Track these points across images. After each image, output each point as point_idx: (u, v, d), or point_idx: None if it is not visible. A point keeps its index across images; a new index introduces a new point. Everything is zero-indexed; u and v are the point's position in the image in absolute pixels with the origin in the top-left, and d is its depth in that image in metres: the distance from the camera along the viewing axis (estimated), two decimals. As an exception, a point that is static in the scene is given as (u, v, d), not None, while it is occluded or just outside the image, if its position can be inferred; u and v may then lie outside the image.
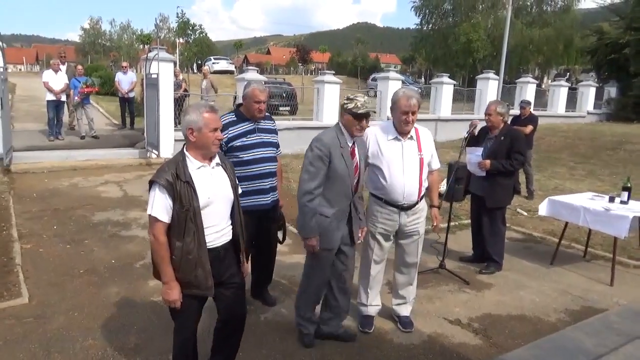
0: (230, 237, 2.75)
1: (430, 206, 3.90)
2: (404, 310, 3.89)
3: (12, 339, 3.47)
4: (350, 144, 3.28)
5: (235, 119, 3.71)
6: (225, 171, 2.72)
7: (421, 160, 3.60)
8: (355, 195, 3.36)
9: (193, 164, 2.56)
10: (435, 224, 3.96)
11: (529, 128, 8.30)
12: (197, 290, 2.60)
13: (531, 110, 8.87)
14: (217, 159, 2.69)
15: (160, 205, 2.47)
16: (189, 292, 2.59)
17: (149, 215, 2.50)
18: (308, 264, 3.49)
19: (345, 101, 3.24)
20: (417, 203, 3.64)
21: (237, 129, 3.66)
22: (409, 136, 3.59)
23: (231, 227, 2.75)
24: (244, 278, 2.93)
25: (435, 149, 3.82)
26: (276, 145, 3.88)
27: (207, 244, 2.58)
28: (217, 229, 2.65)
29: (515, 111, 11.46)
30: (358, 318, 3.89)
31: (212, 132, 2.54)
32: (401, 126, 3.52)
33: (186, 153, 2.59)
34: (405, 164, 3.54)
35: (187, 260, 2.53)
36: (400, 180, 3.52)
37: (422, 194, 3.67)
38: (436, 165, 3.82)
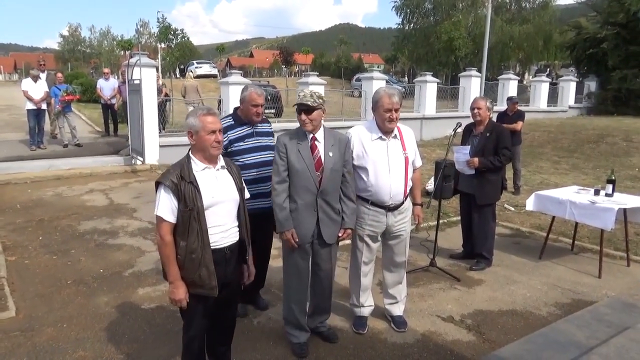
0: (237, 238, 2.79)
1: (413, 204, 3.88)
2: (397, 310, 3.89)
3: (0, 353, 3.40)
4: (309, 139, 3.27)
5: (232, 122, 3.71)
6: (231, 174, 2.78)
7: (406, 159, 3.59)
8: (321, 190, 3.25)
9: (197, 165, 2.65)
10: (417, 222, 3.94)
11: (520, 125, 8.38)
12: (201, 290, 2.64)
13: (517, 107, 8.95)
14: (221, 162, 2.76)
15: (166, 206, 2.55)
16: (194, 291, 2.64)
17: (156, 215, 2.57)
18: (283, 269, 3.48)
19: None
20: (402, 202, 3.64)
21: (236, 133, 3.66)
22: (392, 135, 3.58)
23: (238, 228, 2.79)
24: (243, 281, 2.96)
25: (422, 147, 3.83)
26: (274, 148, 3.86)
27: (213, 244, 2.63)
28: (223, 228, 2.69)
29: (499, 107, 11.59)
30: (352, 319, 3.88)
31: (209, 134, 2.60)
32: (385, 125, 3.50)
33: (191, 155, 2.67)
34: (391, 163, 3.53)
35: (191, 259, 2.58)
36: (387, 181, 3.51)
37: (407, 193, 3.67)
38: (419, 163, 3.82)
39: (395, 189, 3.53)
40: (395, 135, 3.59)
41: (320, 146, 3.28)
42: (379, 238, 3.72)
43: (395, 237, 3.71)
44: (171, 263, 2.58)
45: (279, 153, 3.26)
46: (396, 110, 3.46)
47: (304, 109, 3.20)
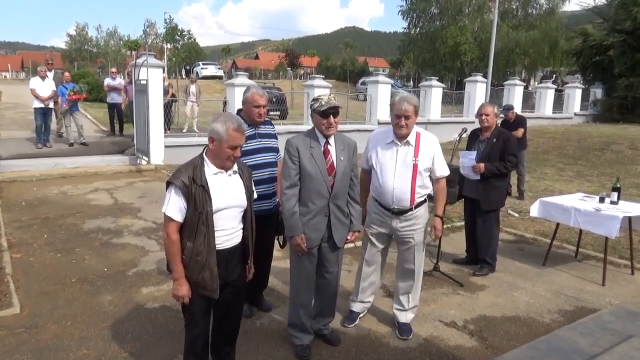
0: (240, 240, 2.82)
1: (434, 215, 3.79)
2: (402, 317, 3.86)
3: (4, 350, 3.41)
4: (322, 144, 3.27)
5: None
6: (242, 178, 2.80)
7: (415, 166, 3.55)
8: (333, 195, 3.26)
9: (210, 169, 2.66)
10: (434, 234, 3.82)
11: (520, 132, 8.36)
12: (204, 291, 2.68)
13: (516, 112, 8.92)
14: (234, 167, 2.77)
15: (175, 206, 2.57)
16: (197, 292, 2.68)
17: (164, 213, 2.60)
18: (290, 273, 3.49)
19: (312, 102, 3.28)
20: (410, 209, 3.61)
21: None
22: (405, 141, 3.58)
23: (241, 230, 2.83)
24: (245, 281, 2.98)
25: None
26: (276, 150, 3.89)
27: (216, 246, 2.65)
28: (228, 232, 2.73)
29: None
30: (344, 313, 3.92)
31: (230, 148, 2.61)
32: (395, 130, 3.54)
33: (205, 157, 2.68)
34: (398, 168, 3.55)
35: (196, 261, 2.62)
36: (390, 184, 3.54)
37: (417, 201, 3.61)
38: (441, 172, 3.67)
39: (398, 194, 3.55)
40: (409, 141, 3.57)
41: (332, 150, 3.29)
42: (386, 241, 3.77)
43: (402, 243, 3.73)
44: (176, 261, 2.61)
45: (290, 157, 3.23)
46: (407, 117, 3.45)
47: (333, 112, 3.17)
